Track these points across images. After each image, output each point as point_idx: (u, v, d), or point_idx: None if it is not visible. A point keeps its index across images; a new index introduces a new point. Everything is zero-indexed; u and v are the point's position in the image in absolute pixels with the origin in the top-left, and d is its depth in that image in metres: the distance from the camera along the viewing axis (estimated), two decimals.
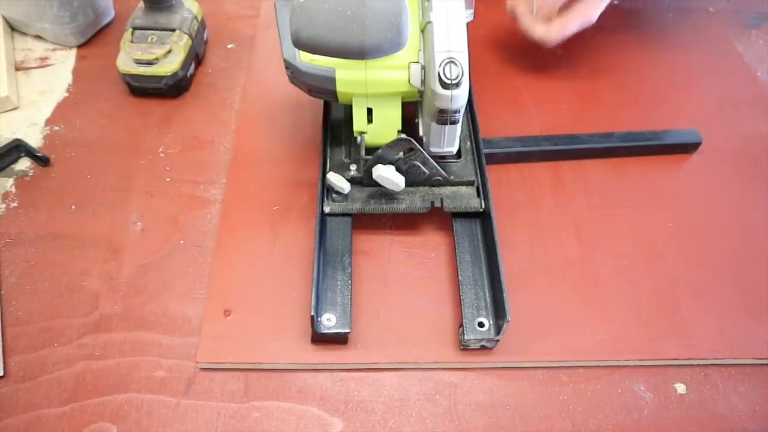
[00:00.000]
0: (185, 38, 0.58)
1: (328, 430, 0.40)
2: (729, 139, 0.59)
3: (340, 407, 0.41)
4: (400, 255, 0.49)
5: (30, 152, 0.54)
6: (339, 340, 0.43)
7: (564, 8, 0.57)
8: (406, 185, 0.47)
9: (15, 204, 0.51)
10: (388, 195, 0.48)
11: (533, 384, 0.43)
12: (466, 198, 0.48)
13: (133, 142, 0.56)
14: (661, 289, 0.48)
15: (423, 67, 0.43)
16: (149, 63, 0.57)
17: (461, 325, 0.43)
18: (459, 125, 0.43)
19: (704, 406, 0.42)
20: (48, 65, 0.62)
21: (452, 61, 0.40)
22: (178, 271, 0.47)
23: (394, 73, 0.44)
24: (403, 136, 0.45)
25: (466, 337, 0.42)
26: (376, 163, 0.46)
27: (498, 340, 0.43)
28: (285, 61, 0.45)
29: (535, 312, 0.46)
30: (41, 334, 0.44)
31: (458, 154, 0.50)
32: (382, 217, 0.51)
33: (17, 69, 0.62)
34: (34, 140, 0.55)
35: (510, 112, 0.60)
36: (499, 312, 0.42)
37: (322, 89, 0.45)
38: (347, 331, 0.42)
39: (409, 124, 0.48)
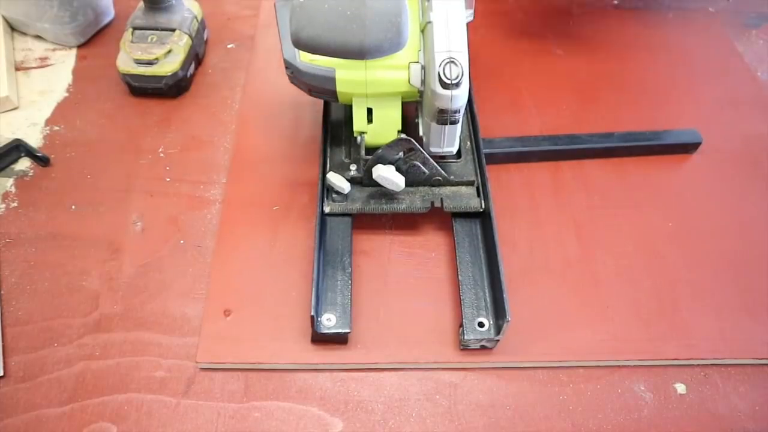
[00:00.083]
0: (185, 38, 0.58)
1: (328, 430, 0.40)
2: (729, 139, 0.59)
3: (340, 407, 0.41)
4: (400, 255, 0.49)
5: (30, 152, 0.54)
6: (339, 340, 0.43)
7: None
8: (406, 185, 0.47)
9: (15, 204, 0.51)
10: (388, 195, 0.48)
11: (533, 384, 0.43)
12: (466, 198, 0.48)
13: (133, 142, 0.56)
14: (661, 289, 0.48)
15: (423, 67, 0.43)
16: (149, 63, 0.57)
17: (461, 325, 0.43)
18: (459, 125, 0.43)
19: (704, 406, 0.42)
20: (48, 65, 0.62)
21: (452, 61, 0.40)
22: (178, 271, 0.47)
23: (394, 73, 0.44)
24: (403, 136, 0.45)
25: (466, 337, 0.42)
26: (376, 163, 0.46)
27: (498, 340, 0.43)
28: (285, 61, 0.45)
29: (535, 312, 0.46)
30: (41, 334, 0.44)
31: (458, 154, 0.51)
32: (382, 217, 0.51)
33: (17, 69, 0.62)
34: (34, 140, 0.55)
35: (510, 112, 0.60)
36: (499, 312, 0.42)
37: (322, 89, 0.45)
38: (347, 331, 0.42)
39: (409, 124, 0.48)
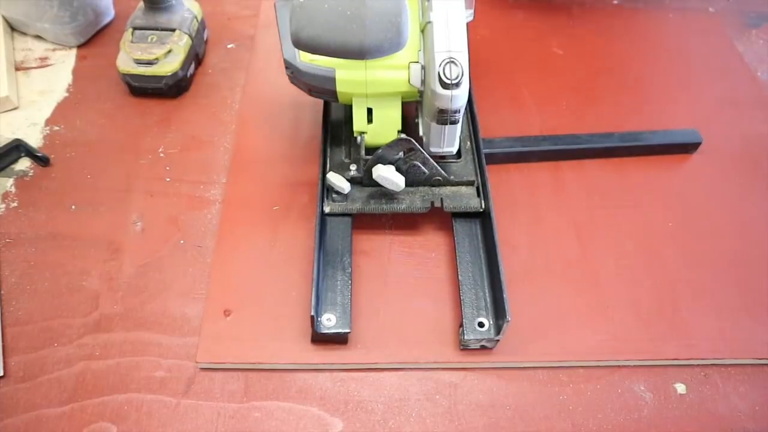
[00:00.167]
0: (185, 38, 0.58)
1: (328, 430, 0.40)
2: (729, 139, 0.59)
3: (340, 407, 0.41)
4: (400, 255, 0.49)
5: (30, 152, 0.54)
6: (339, 340, 0.43)
7: None
8: (406, 185, 0.47)
9: (15, 204, 0.51)
10: (388, 195, 0.48)
11: (533, 384, 0.43)
12: (466, 198, 0.48)
13: (133, 142, 0.56)
14: (661, 289, 0.48)
15: (423, 67, 0.43)
16: (149, 63, 0.57)
17: (461, 325, 0.43)
18: (459, 125, 0.43)
19: (704, 406, 0.42)
20: (48, 65, 0.62)
21: (452, 61, 0.40)
22: (178, 271, 0.47)
23: (394, 73, 0.44)
24: (403, 136, 0.45)
25: (466, 337, 0.42)
26: (376, 163, 0.46)
27: (498, 340, 0.43)
28: (285, 61, 0.45)
29: (535, 312, 0.46)
30: (41, 334, 0.44)
31: (458, 154, 0.51)
32: (382, 217, 0.51)
33: (17, 69, 0.62)
34: (34, 140, 0.55)
35: (510, 112, 0.60)
36: (499, 312, 0.42)
37: (322, 89, 0.45)
38: (347, 331, 0.42)
39: (409, 124, 0.48)
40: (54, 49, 0.64)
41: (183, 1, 0.61)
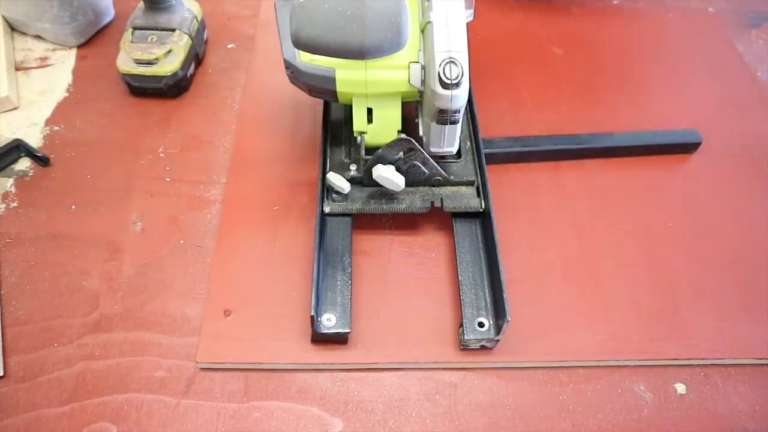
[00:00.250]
0: (185, 38, 0.58)
1: (328, 430, 0.40)
2: (729, 139, 0.59)
3: (340, 407, 0.41)
4: (400, 255, 0.49)
5: (30, 152, 0.54)
6: (339, 340, 0.43)
7: None
8: (406, 185, 0.47)
9: (15, 204, 0.51)
10: (388, 195, 0.48)
11: (533, 384, 0.43)
12: (466, 198, 0.48)
13: (133, 142, 0.56)
14: (661, 289, 0.48)
15: (423, 67, 0.43)
16: (149, 63, 0.57)
17: (461, 325, 0.43)
18: (459, 125, 0.43)
19: (704, 406, 0.42)
20: (48, 65, 0.62)
21: (452, 61, 0.40)
22: (178, 271, 0.47)
23: (394, 73, 0.44)
24: (403, 136, 0.45)
25: (466, 337, 0.42)
26: (376, 163, 0.46)
27: (498, 340, 0.43)
28: (285, 61, 0.45)
29: (535, 312, 0.46)
30: (41, 334, 0.44)
31: (458, 154, 0.51)
32: (382, 217, 0.51)
33: (17, 69, 0.62)
34: (34, 140, 0.55)
35: (510, 112, 0.60)
36: (499, 312, 0.42)
37: (322, 89, 0.45)
38: (347, 331, 0.42)
39: (409, 124, 0.48)
40: (54, 49, 0.64)
41: (183, 1, 0.61)
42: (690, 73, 0.65)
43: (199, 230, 0.50)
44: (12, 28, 0.65)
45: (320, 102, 0.54)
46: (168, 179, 0.53)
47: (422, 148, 0.45)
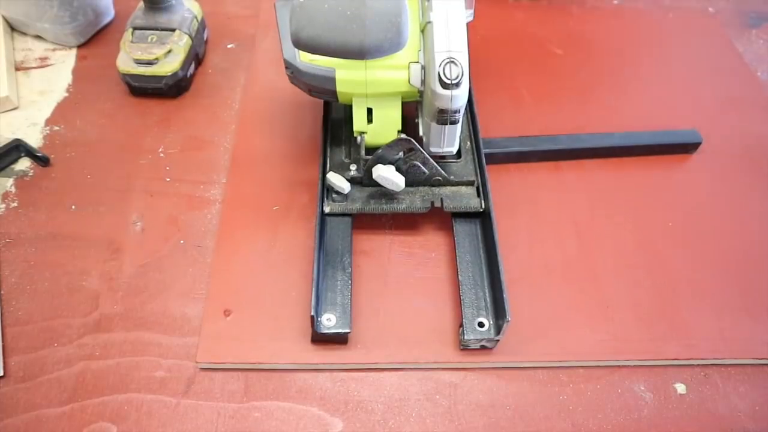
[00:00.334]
0: (185, 38, 0.58)
1: (328, 430, 0.40)
2: (729, 139, 0.59)
3: (340, 407, 0.41)
4: (400, 255, 0.49)
5: (30, 152, 0.54)
6: (339, 340, 0.43)
7: None
8: (406, 185, 0.47)
9: (15, 204, 0.51)
10: (388, 195, 0.48)
11: (533, 384, 0.43)
12: (466, 198, 0.48)
13: (133, 142, 0.56)
14: (661, 289, 0.48)
15: (423, 67, 0.43)
16: (149, 63, 0.57)
17: (461, 325, 0.43)
18: (459, 125, 0.43)
19: (704, 406, 0.42)
20: (48, 65, 0.62)
21: (452, 61, 0.40)
22: (178, 271, 0.47)
23: (394, 73, 0.44)
24: (403, 136, 0.45)
25: (466, 337, 0.42)
26: (376, 163, 0.46)
27: (498, 340, 0.43)
28: (285, 61, 0.45)
29: (535, 312, 0.46)
30: (41, 334, 0.44)
31: (458, 154, 0.51)
32: (382, 217, 0.51)
33: (17, 69, 0.62)
34: (34, 140, 0.55)
35: (510, 112, 0.60)
36: (499, 312, 0.42)
37: (322, 89, 0.45)
38: (347, 331, 0.42)
39: (409, 124, 0.48)
40: (54, 49, 0.64)
41: (183, 1, 0.61)
42: (690, 73, 0.65)
43: (199, 230, 0.50)
44: (12, 28, 0.65)
45: (320, 102, 0.54)
46: (168, 179, 0.53)
47: (422, 148, 0.45)
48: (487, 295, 0.44)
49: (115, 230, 0.50)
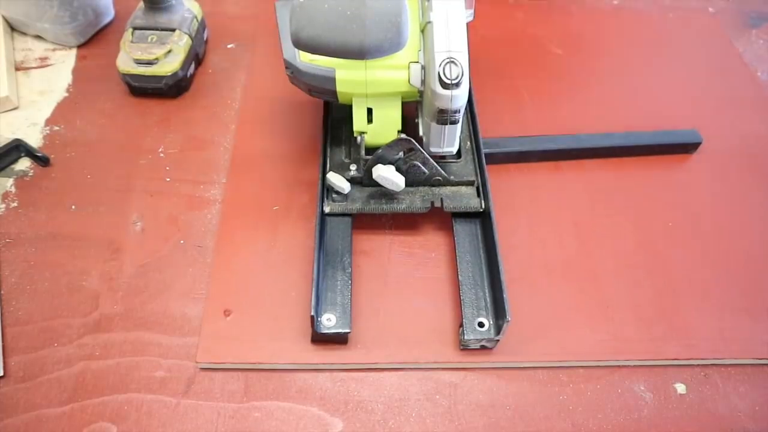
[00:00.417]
0: (185, 38, 0.58)
1: (328, 430, 0.40)
2: (729, 139, 0.59)
3: (340, 407, 0.41)
4: (400, 255, 0.49)
5: (30, 152, 0.54)
6: (339, 340, 0.43)
7: None
8: (406, 185, 0.47)
9: (15, 204, 0.51)
10: (388, 195, 0.48)
11: (533, 384, 0.43)
12: (466, 198, 0.48)
13: (133, 142, 0.56)
14: (661, 289, 0.48)
15: (423, 67, 0.43)
16: (149, 63, 0.57)
17: (461, 325, 0.43)
18: (459, 125, 0.43)
19: (704, 406, 0.42)
20: (48, 65, 0.62)
21: (452, 61, 0.40)
22: (178, 271, 0.47)
23: (394, 73, 0.44)
24: (403, 136, 0.45)
25: (466, 337, 0.42)
26: (376, 163, 0.46)
27: (498, 340, 0.43)
28: (285, 61, 0.45)
29: (535, 312, 0.46)
30: (41, 334, 0.44)
31: (458, 154, 0.51)
32: (382, 217, 0.51)
33: (17, 69, 0.62)
34: (34, 140, 0.55)
35: (510, 112, 0.60)
36: (499, 312, 0.42)
37: (322, 89, 0.45)
38: (347, 331, 0.42)
39: (409, 124, 0.48)
40: (54, 49, 0.64)
41: (183, 1, 0.61)
42: (690, 73, 0.65)
43: (199, 230, 0.50)
44: (12, 28, 0.65)
45: (320, 102, 0.54)
46: (168, 179, 0.53)
47: (422, 148, 0.45)
48: (487, 295, 0.44)
49: (115, 230, 0.50)
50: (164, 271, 0.47)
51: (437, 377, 0.43)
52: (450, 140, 0.45)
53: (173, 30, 0.58)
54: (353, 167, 0.49)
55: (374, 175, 0.46)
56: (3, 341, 0.43)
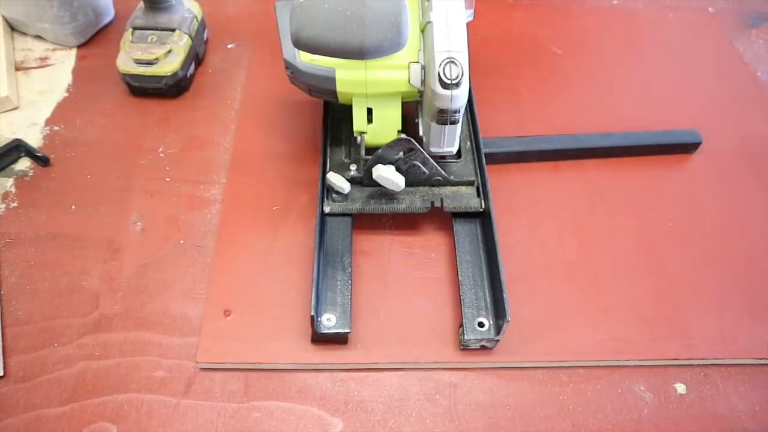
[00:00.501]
0: (185, 38, 0.58)
1: (328, 430, 0.40)
2: (729, 139, 0.59)
3: (340, 407, 0.41)
4: (400, 255, 0.49)
5: (30, 152, 0.54)
6: (339, 340, 0.43)
7: None
8: (406, 185, 0.47)
9: (15, 204, 0.51)
10: (388, 195, 0.48)
11: (533, 384, 0.43)
12: (466, 198, 0.48)
13: (133, 142, 0.56)
14: (661, 289, 0.48)
15: (423, 67, 0.43)
16: (149, 63, 0.57)
17: (461, 325, 0.43)
18: (459, 125, 0.43)
19: (704, 406, 0.42)
20: (48, 65, 0.62)
21: (452, 61, 0.40)
22: (178, 271, 0.47)
23: (394, 73, 0.44)
24: (403, 136, 0.45)
25: (466, 337, 0.42)
26: (376, 163, 0.46)
27: (498, 340, 0.43)
28: (285, 61, 0.45)
29: (535, 312, 0.46)
30: (41, 334, 0.44)
31: (458, 154, 0.51)
32: (382, 217, 0.51)
33: (17, 69, 0.62)
34: (34, 140, 0.55)
35: (510, 112, 0.60)
36: (499, 312, 0.42)
37: (322, 89, 0.45)
38: (347, 331, 0.42)
39: (409, 124, 0.48)
40: (54, 49, 0.64)
41: (183, 1, 0.61)
42: (690, 73, 0.65)
43: (199, 230, 0.50)
44: (12, 28, 0.65)
45: (320, 102, 0.54)
46: (168, 179, 0.53)
47: (422, 148, 0.45)
48: (487, 295, 0.44)
49: (115, 230, 0.50)
50: (164, 271, 0.47)
51: (437, 377, 0.43)
52: (450, 140, 0.45)
53: (173, 30, 0.58)
54: (353, 167, 0.49)
55: (374, 175, 0.46)
56: (3, 341, 0.43)
